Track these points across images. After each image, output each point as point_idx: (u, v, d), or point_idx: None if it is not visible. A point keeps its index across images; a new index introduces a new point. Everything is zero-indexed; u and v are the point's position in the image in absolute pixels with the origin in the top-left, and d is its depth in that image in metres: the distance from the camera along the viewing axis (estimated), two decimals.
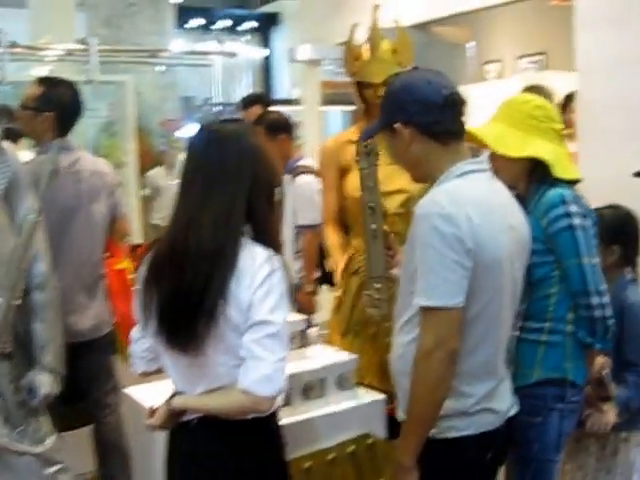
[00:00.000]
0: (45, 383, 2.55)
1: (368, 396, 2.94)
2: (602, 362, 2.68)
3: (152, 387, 3.13)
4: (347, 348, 3.26)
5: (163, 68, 10.04)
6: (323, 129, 8.38)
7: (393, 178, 3.26)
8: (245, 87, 14.09)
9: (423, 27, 7.05)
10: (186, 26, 13.96)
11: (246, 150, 2.10)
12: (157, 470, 2.48)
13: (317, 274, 4.80)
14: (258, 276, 2.01)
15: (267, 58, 15.20)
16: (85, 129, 7.85)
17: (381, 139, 2.45)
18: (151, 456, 2.89)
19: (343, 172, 3.54)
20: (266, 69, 15.24)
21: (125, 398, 3.13)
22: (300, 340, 3.10)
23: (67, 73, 7.05)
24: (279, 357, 2.00)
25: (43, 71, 6.37)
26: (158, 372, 2.28)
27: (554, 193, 2.41)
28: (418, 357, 2.10)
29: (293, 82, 14.21)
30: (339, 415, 2.78)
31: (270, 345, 1.99)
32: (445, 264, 2.06)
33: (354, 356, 2.93)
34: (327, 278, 4.68)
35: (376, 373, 3.31)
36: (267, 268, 2.03)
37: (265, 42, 15.48)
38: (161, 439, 2.31)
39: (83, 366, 3.61)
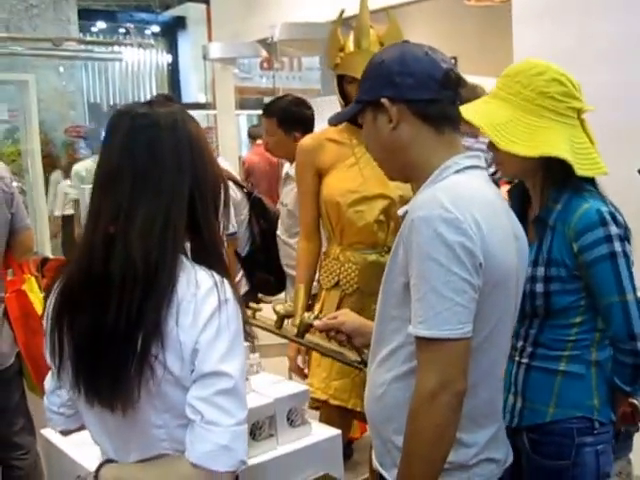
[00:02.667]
0: None
1: (324, 431, 2.51)
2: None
3: None
4: (327, 370, 2.96)
5: (62, 69, 9.64)
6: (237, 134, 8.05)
7: (371, 182, 2.91)
8: (151, 92, 13.74)
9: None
10: (92, 29, 13.59)
11: (185, 140, 1.62)
12: None
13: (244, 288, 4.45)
14: (204, 312, 1.54)
15: (173, 63, 14.82)
16: None
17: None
18: None
19: (321, 174, 3.11)
20: (172, 73, 14.84)
21: (42, 440, 2.74)
22: None
23: None
24: (238, 419, 1.54)
25: None
26: (83, 429, 1.81)
27: (589, 210, 1.99)
28: (417, 402, 1.62)
29: (201, 86, 13.92)
30: (293, 456, 2.35)
31: (225, 404, 1.53)
32: (452, 283, 1.58)
33: (304, 387, 2.49)
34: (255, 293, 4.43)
35: (360, 395, 2.95)
36: (215, 300, 1.56)
37: (170, 46, 15.12)
38: None
39: None
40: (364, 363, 2.46)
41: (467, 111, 1.91)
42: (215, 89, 7.95)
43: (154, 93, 13.51)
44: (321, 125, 3.97)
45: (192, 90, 14.68)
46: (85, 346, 1.58)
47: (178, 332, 1.52)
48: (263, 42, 7.02)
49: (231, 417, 1.53)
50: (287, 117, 4.20)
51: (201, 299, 1.55)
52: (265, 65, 13.22)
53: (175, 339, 1.52)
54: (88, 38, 9.93)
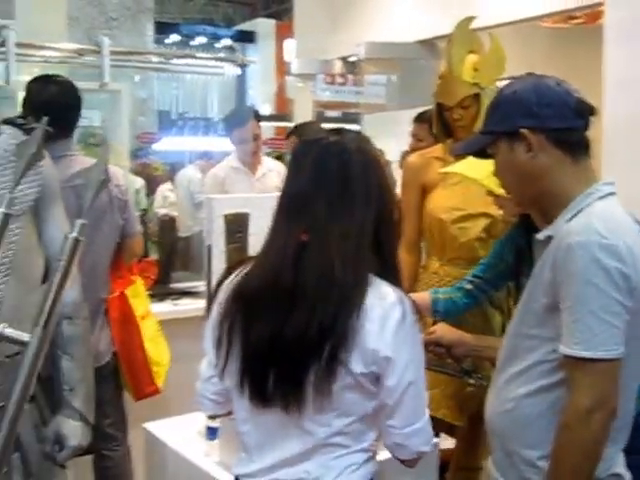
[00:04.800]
0: (74, 433, 2.14)
1: None
2: None
3: (171, 422, 2.90)
4: None
5: (137, 78, 9.82)
6: None
7: (475, 200, 2.97)
8: (218, 102, 13.92)
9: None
10: (166, 42, 13.81)
11: (372, 165, 1.78)
12: None
13: None
14: (389, 320, 1.68)
15: (241, 75, 14.98)
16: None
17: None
18: None
19: (426, 190, 3.22)
20: (240, 85, 15.00)
21: (142, 433, 2.84)
22: None
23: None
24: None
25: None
26: (229, 414, 1.95)
27: None
28: (572, 418, 1.71)
29: (266, 98, 14.05)
30: (387, 464, 2.39)
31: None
32: (609, 307, 1.68)
33: None
34: None
35: (449, 406, 3.09)
36: (399, 311, 1.69)
37: (240, 62, 15.31)
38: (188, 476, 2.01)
39: None
40: (464, 372, 2.55)
41: (457, 167, 1.99)
42: (294, 103, 8.05)
43: (221, 103, 13.72)
44: (386, 141, 4.04)
45: (257, 102, 14.84)
46: (260, 349, 1.71)
47: (365, 339, 1.65)
48: (343, 59, 7.12)
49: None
50: None
51: (387, 309, 1.68)
52: (328, 79, 13.30)
53: (361, 345, 1.65)
54: (188, 52, 10.11)
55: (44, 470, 2.11)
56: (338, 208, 1.71)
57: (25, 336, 1.84)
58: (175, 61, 8.32)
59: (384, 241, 1.76)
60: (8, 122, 2.15)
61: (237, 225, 2.70)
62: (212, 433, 2.67)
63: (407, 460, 1.82)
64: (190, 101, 14.39)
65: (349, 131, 1.84)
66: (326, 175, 1.74)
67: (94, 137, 7.44)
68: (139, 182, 8.73)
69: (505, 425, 1.91)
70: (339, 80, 13.40)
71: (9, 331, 1.86)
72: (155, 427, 2.88)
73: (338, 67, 7.19)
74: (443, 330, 2.48)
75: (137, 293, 3.48)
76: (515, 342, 1.91)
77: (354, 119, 8.26)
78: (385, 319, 1.68)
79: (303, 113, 7.61)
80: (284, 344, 1.67)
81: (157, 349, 3.43)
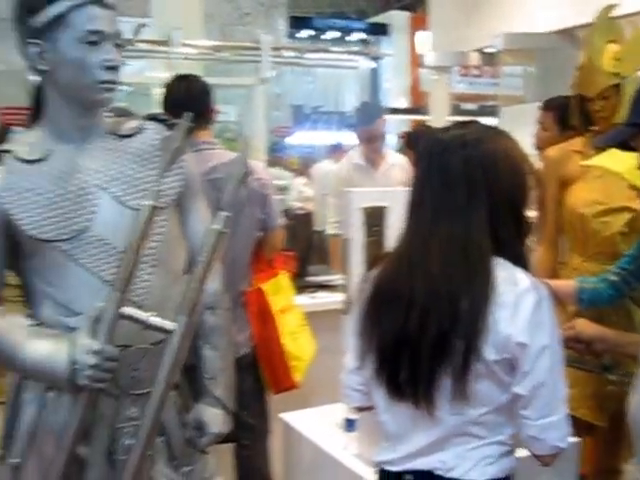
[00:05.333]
0: (214, 420, 2.19)
1: None
2: None
3: (309, 414, 2.93)
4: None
5: (273, 73, 9.95)
6: None
7: (617, 194, 2.90)
8: (352, 96, 13.96)
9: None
10: (297, 36, 13.92)
11: (475, 158, 1.72)
12: None
13: None
14: (523, 307, 1.66)
15: (375, 68, 14.98)
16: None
17: None
18: None
19: (565, 184, 3.15)
20: (374, 78, 15.00)
21: (281, 424, 2.88)
22: None
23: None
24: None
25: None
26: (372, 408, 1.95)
27: None
28: None
29: (401, 91, 14.00)
30: (523, 461, 2.37)
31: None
32: None
33: None
34: None
35: (589, 405, 3.02)
36: (533, 297, 1.67)
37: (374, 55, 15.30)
38: (326, 471, 2.02)
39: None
40: (605, 368, 2.48)
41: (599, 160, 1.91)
42: (429, 95, 7.99)
43: (355, 97, 13.75)
44: (523, 133, 3.93)
45: (392, 95, 14.81)
46: (392, 345, 1.73)
47: (498, 326, 1.64)
48: (479, 51, 7.03)
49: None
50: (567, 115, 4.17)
51: (520, 294, 1.67)
52: (463, 71, 13.17)
53: (494, 332, 1.64)
54: (322, 46, 10.25)
55: (186, 455, 2.16)
56: (460, 201, 1.71)
57: (170, 325, 1.90)
58: (309, 55, 8.42)
59: (502, 237, 1.73)
60: (151, 118, 2.21)
61: (374, 218, 2.70)
62: (350, 425, 2.68)
63: (543, 456, 1.78)
64: (324, 95, 14.48)
65: (475, 123, 1.81)
66: (447, 170, 1.73)
67: (230, 132, 7.61)
68: (287, 176, 8.88)
69: None
70: (475, 72, 13.22)
71: (155, 319, 1.92)
72: (292, 418, 2.92)
73: (474, 59, 7.10)
74: (583, 325, 2.40)
75: (279, 287, 3.50)
76: None
77: (491, 111, 8.16)
78: (518, 305, 1.66)
79: (438, 106, 7.55)
80: (409, 341, 1.69)
81: (296, 344, 3.43)
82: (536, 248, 3.26)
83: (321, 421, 2.85)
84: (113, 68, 2.00)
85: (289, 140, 11.61)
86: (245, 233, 3.33)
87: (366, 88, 14.32)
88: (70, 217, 2.01)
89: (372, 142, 5.15)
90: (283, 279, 3.57)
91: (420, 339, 1.68)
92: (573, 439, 2.52)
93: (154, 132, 2.15)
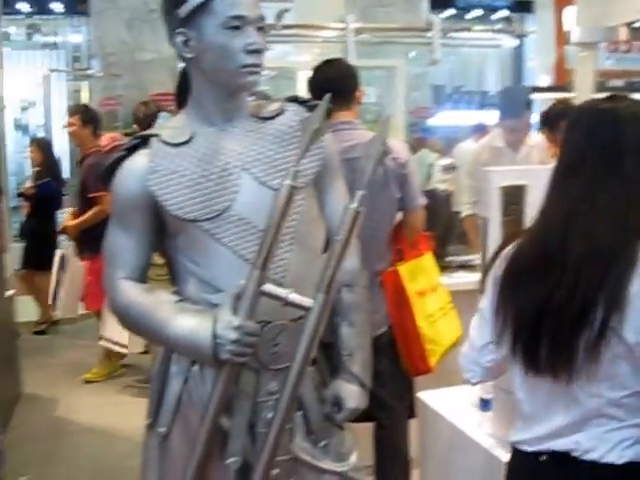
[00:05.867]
0: (351, 396, 2.23)
1: None
2: None
3: (444, 393, 2.94)
4: None
5: (413, 54, 9.91)
6: None
7: None
8: (495, 76, 13.73)
9: None
10: (441, 16, 13.77)
11: None
12: None
13: None
14: None
15: (518, 46, 14.65)
16: None
17: None
18: (448, 468, 2.63)
19: None
20: (517, 57, 14.67)
21: (419, 403, 2.90)
22: None
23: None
24: None
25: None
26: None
27: None
28: None
29: (545, 69, 13.68)
30: None
31: None
32: None
33: None
34: None
35: None
36: None
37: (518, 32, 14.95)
38: (460, 450, 2.02)
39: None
40: None
41: None
42: (574, 73, 7.74)
43: (498, 76, 13.53)
44: None
45: (536, 73, 14.47)
46: (530, 317, 1.72)
47: (636, 304, 1.61)
48: (628, 25, 6.77)
49: None
50: None
51: None
52: (611, 47, 12.71)
53: (634, 310, 1.61)
54: (464, 24, 10.15)
55: (323, 429, 2.21)
56: (607, 176, 1.70)
57: (308, 302, 1.95)
58: (452, 35, 8.32)
59: None
60: (292, 100, 2.26)
61: (513, 197, 2.67)
62: (485, 405, 2.67)
63: None
64: (466, 75, 14.30)
65: (624, 98, 1.80)
66: (596, 143, 1.73)
67: (370, 113, 7.63)
68: (432, 157, 8.84)
69: None
70: (624, 47, 12.72)
71: (293, 296, 1.97)
72: (429, 397, 2.94)
73: (622, 34, 6.84)
74: None
75: (420, 268, 3.49)
76: None
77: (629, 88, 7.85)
78: None
79: (584, 83, 7.31)
80: (553, 312, 1.68)
81: (433, 327, 3.41)
82: None
83: (457, 400, 2.86)
84: (256, 52, 2.05)
85: (431, 121, 11.52)
86: (382, 212, 3.35)
87: (509, 67, 14.08)
88: (212, 197, 2.08)
89: (516, 132, 5.07)
90: (427, 260, 3.56)
91: (564, 308, 1.66)
92: None
93: (294, 114, 2.20)
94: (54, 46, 11.80)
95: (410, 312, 3.38)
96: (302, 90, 5.86)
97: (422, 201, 3.49)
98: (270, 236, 1.94)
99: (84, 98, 10.63)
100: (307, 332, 1.95)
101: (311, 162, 2.15)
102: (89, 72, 10.63)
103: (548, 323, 1.70)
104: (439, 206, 5.64)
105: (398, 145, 3.49)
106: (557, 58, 13.65)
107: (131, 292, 2.14)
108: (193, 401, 2.13)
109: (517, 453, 1.90)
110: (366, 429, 3.56)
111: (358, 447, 3.36)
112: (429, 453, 2.96)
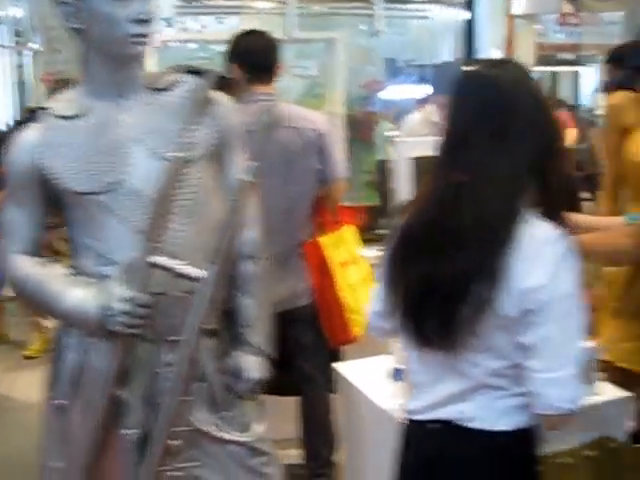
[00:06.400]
0: (252, 367, 2.24)
1: (610, 392, 2.49)
2: None
3: (363, 364, 2.95)
4: (617, 331, 2.87)
5: (364, 27, 9.84)
6: None
7: None
8: (448, 48, 13.70)
9: None
10: None
11: (534, 98, 1.73)
12: (367, 452, 2.20)
13: None
14: (542, 261, 1.63)
15: (470, 19, 14.64)
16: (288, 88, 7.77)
17: None
18: (364, 440, 2.65)
19: (627, 133, 3.04)
20: (469, 30, 14.66)
21: (335, 374, 2.93)
22: None
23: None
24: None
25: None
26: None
27: None
28: None
29: (497, 43, 13.69)
30: None
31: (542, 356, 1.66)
32: None
33: (592, 343, 2.47)
34: None
35: None
36: (555, 251, 1.65)
37: (469, 3, 14.93)
38: (374, 422, 2.05)
39: (282, 336, 3.44)
40: None
41: None
42: (514, 46, 7.77)
43: (450, 49, 13.50)
44: None
45: (487, 47, 14.47)
46: (417, 287, 1.72)
47: (513, 279, 1.62)
48: None
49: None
50: None
51: (540, 248, 1.64)
52: (562, 20, 12.76)
53: (509, 285, 1.62)
54: None
55: (226, 401, 2.22)
56: (498, 144, 1.67)
57: (199, 273, 1.95)
58: (399, 7, 8.28)
59: (548, 176, 1.71)
60: (190, 71, 2.23)
61: (425, 168, 2.68)
62: (398, 374, 2.68)
63: (546, 417, 1.71)
64: (420, 48, 14.25)
65: (510, 63, 1.81)
66: (485, 110, 1.70)
67: (315, 87, 7.59)
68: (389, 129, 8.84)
69: None
70: (574, 21, 12.77)
71: (184, 268, 1.97)
72: (345, 368, 2.94)
73: (566, 7, 6.87)
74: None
75: (341, 240, 3.51)
76: None
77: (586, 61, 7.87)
78: (537, 259, 1.63)
79: (526, 56, 7.37)
80: (437, 283, 1.68)
81: (356, 297, 3.42)
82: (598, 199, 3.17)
83: (374, 371, 2.87)
84: (144, 21, 2.03)
85: (382, 94, 11.48)
86: (300, 183, 3.36)
87: (461, 40, 14.05)
88: (105, 170, 2.07)
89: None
90: (347, 232, 3.57)
91: (447, 280, 1.67)
92: (624, 393, 2.48)
93: (189, 85, 2.18)
94: None
95: (332, 282, 3.40)
96: None
97: (342, 173, 3.51)
98: (159, 208, 1.94)
99: (27, 73, 10.46)
100: (198, 303, 1.95)
101: (207, 134, 2.14)
102: (30, 47, 10.43)
103: (433, 295, 1.70)
104: (383, 178, 5.65)
105: (318, 117, 3.50)
106: (507, 31, 13.67)
107: (25, 266, 2.15)
108: (91, 373, 2.13)
109: (410, 422, 1.92)
110: (293, 402, 3.60)
111: (283, 420, 3.40)
112: (348, 425, 2.97)
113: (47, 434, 2.24)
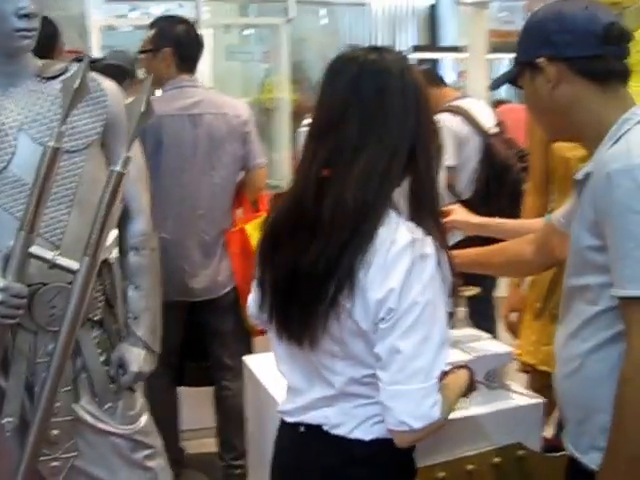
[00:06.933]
0: (136, 359, 2.22)
1: (523, 398, 2.39)
2: None
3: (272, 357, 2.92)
4: (537, 333, 2.84)
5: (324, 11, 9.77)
6: (489, 78, 7.78)
7: None
8: (409, 35, 13.67)
9: None
10: None
11: (412, 87, 1.62)
12: (268, 449, 2.20)
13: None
14: (393, 271, 1.53)
15: (433, 6, 14.62)
16: (238, 73, 7.72)
17: None
18: (263, 432, 2.64)
19: None
20: (432, 18, 14.65)
21: (244, 366, 2.90)
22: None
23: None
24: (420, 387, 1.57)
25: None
26: None
27: None
28: (631, 370, 1.53)
29: (460, 30, 13.69)
30: (483, 418, 2.27)
31: (398, 377, 1.57)
32: None
33: (508, 349, 2.42)
34: None
35: None
36: (408, 259, 1.53)
37: None
38: (274, 418, 2.03)
39: (202, 325, 3.47)
40: None
41: None
42: (468, 32, 7.73)
43: (413, 36, 13.47)
44: None
45: (450, 35, 14.48)
46: (282, 282, 1.67)
47: (367, 286, 1.54)
48: None
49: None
50: None
51: (393, 256, 1.53)
52: (527, 8, 12.78)
53: (363, 292, 1.54)
54: None
55: (109, 392, 2.21)
56: (367, 134, 1.58)
57: (74, 265, 1.94)
58: None
59: (420, 168, 1.62)
60: (79, 60, 2.21)
61: None
62: None
63: (394, 432, 1.61)
64: (379, 36, 14.22)
65: (390, 50, 1.68)
66: (358, 95, 1.59)
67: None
68: None
69: (572, 388, 1.75)
70: (535, 8, 12.81)
71: (60, 259, 1.96)
72: (253, 360, 2.91)
73: None
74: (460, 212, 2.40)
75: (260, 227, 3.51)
76: (570, 298, 1.76)
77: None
78: (392, 266, 1.53)
79: (476, 43, 7.35)
80: (299, 280, 1.61)
81: None
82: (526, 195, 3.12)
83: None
84: (28, 16, 2.02)
85: None
86: (224, 170, 3.37)
87: (424, 29, 14.03)
88: None
89: None
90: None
91: (308, 281, 1.59)
92: (537, 399, 2.43)
93: (74, 74, 2.15)
94: None
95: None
96: None
97: (263, 160, 3.51)
98: (35, 198, 1.92)
99: None
100: (74, 295, 1.94)
101: (91, 123, 2.13)
102: None
103: (295, 292, 1.64)
104: None
105: (239, 104, 3.51)
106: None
107: None
108: None
109: (282, 423, 1.86)
110: (208, 391, 3.62)
111: (201, 407, 3.39)
112: (251, 416, 2.96)
113: None
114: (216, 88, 6.83)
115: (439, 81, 4.55)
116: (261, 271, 1.75)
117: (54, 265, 1.96)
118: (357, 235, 1.55)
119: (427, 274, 1.55)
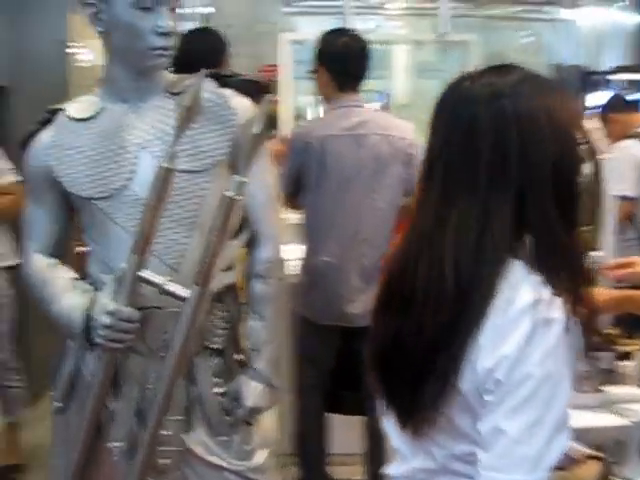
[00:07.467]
0: (252, 393, 2.10)
1: None
2: None
3: None
4: None
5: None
6: None
7: None
8: (615, 54, 13.06)
9: None
10: None
11: (509, 117, 1.26)
12: None
13: None
14: (509, 337, 1.24)
15: None
16: (428, 90, 7.58)
17: None
18: None
19: None
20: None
21: None
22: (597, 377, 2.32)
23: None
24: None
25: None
26: None
27: None
28: None
29: None
30: None
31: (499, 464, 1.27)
32: None
33: None
34: None
35: None
36: (528, 323, 1.24)
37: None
38: None
39: (357, 353, 3.32)
40: None
41: None
42: None
43: (618, 56, 12.86)
44: None
45: None
46: (382, 353, 1.45)
47: (478, 355, 1.28)
48: None
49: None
50: None
51: (510, 320, 1.26)
52: None
53: (473, 363, 1.28)
54: None
55: (224, 424, 2.10)
56: (457, 180, 1.30)
57: (184, 292, 1.86)
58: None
59: (534, 216, 1.29)
60: (209, 75, 2.10)
61: None
62: None
63: None
64: (586, 53, 13.66)
65: (516, 68, 1.33)
66: (447, 134, 1.32)
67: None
68: None
69: None
70: None
71: (171, 285, 1.89)
72: None
73: None
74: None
75: None
76: None
77: None
78: (506, 333, 1.25)
79: None
80: (397, 354, 1.38)
81: None
82: None
83: None
84: (166, 34, 1.96)
85: None
86: (388, 192, 3.27)
87: (633, 45, 13.35)
88: (109, 176, 2.01)
89: None
90: None
91: (407, 358, 1.36)
92: None
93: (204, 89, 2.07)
94: None
95: None
96: None
97: None
98: (147, 220, 1.85)
99: None
100: (182, 323, 1.85)
101: (219, 142, 2.03)
102: None
103: (395, 366, 1.40)
104: None
105: (405, 126, 3.38)
106: None
107: (36, 265, 2.13)
108: (85, 379, 2.08)
109: None
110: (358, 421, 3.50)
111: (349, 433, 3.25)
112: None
113: (53, 432, 2.22)
114: (411, 106, 6.75)
115: (628, 106, 4.23)
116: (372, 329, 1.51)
117: (164, 291, 1.88)
118: (465, 309, 1.27)
119: (550, 342, 1.25)
